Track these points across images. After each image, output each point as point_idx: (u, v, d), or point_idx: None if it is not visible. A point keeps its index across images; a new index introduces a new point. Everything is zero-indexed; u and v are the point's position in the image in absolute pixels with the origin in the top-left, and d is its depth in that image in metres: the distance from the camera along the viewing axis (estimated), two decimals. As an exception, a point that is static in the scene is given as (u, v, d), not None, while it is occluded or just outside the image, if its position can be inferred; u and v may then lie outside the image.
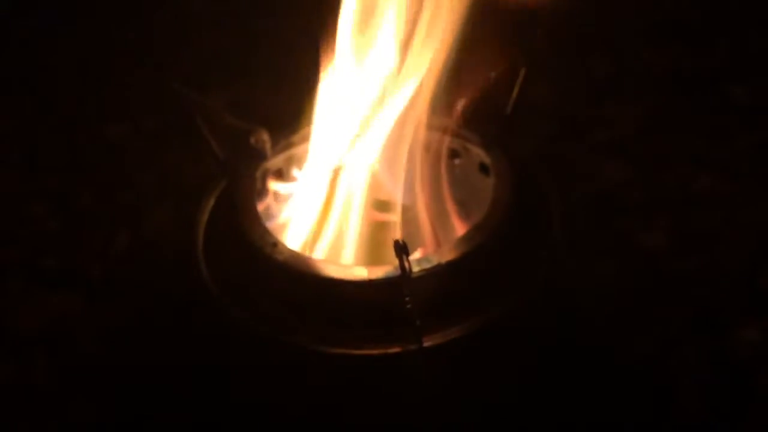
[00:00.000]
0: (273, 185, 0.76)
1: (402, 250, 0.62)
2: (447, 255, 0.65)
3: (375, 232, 0.77)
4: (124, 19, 1.29)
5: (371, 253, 0.75)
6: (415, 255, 0.75)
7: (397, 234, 0.75)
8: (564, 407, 0.76)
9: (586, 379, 0.79)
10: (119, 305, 0.95)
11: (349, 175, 0.76)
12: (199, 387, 0.80)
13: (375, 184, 0.76)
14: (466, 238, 0.66)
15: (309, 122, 0.79)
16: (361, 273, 0.64)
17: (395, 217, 0.76)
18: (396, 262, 0.63)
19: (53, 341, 0.92)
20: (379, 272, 0.64)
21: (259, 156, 0.73)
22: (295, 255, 0.66)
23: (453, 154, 0.79)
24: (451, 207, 0.77)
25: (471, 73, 0.72)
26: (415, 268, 0.64)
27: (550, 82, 1.14)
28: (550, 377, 0.73)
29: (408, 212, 0.76)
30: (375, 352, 0.63)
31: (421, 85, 0.72)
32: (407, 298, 0.62)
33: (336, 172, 0.76)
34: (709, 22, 1.24)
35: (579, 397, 0.78)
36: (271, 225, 0.73)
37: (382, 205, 0.78)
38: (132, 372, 0.87)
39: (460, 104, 0.74)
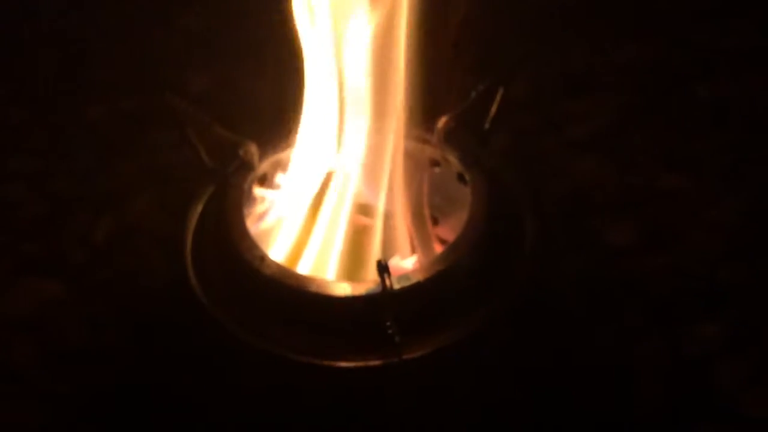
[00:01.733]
0: (258, 191, 0.79)
1: (383, 269, 0.65)
2: (426, 272, 0.69)
3: (355, 235, 0.79)
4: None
5: (351, 256, 0.78)
6: (394, 259, 0.79)
7: (377, 238, 0.78)
8: (539, 408, 0.80)
9: (555, 377, 0.83)
10: (103, 293, 0.96)
11: (334, 182, 0.78)
12: (182, 382, 0.82)
13: (357, 189, 0.79)
14: (443, 255, 0.70)
15: (293, 126, 0.81)
16: (345, 289, 0.68)
17: (375, 222, 0.79)
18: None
19: (37, 327, 0.93)
20: (361, 288, 0.67)
21: (248, 167, 0.75)
22: (282, 269, 0.69)
23: (433, 163, 0.82)
24: (428, 213, 0.81)
25: (452, 91, 0.75)
26: (396, 286, 0.67)
27: (527, 75, 1.16)
28: (525, 382, 0.77)
29: (388, 218, 0.79)
30: (356, 364, 0.66)
31: (403, 95, 0.75)
32: (388, 315, 0.66)
33: (321, 179, 0.78)
34: (682, 21, 1.27)
35: (552, 397, 0.82)
36: (256, 230, 0.76)
37: (362, 209, 0.81)
38: (115, 360, 0.90)
39: (442, 120, 0.77)
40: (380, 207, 0.78)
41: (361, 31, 0.73)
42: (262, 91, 1.16)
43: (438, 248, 0.78)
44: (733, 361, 0.88)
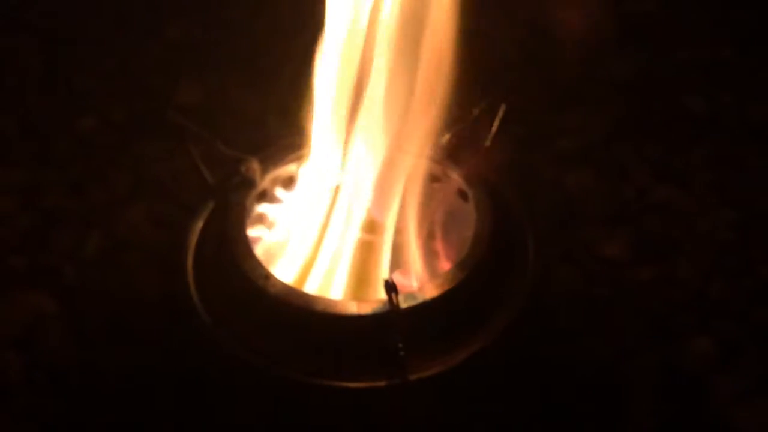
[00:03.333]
0: (261, 207, 0.78)
1: (391, 288, 0.65)
2: (433, 291, 0.68)
3: (360, 251, 0.79)
4: (91, 7, 1.27)
5: (356, 273, 0.78)
6: (395, 276, 0.79)
7: (384, 255, 0.78)
8: (539, 426, 0.80)
9: (555, 394, 0.84)
10: (95, 308, 0.95)
11: (341, 198, 0.77)
12: (179, 402, 0.81)
13: (365, 205, 0.78)
14: (450, 274, 0.69)
15: (291, 143, 0.80)
16: (351, 308, 0.67)
17: (380, 238, 0.78)
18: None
19: (26, 343, 0.91)
20: (367, 308, 0.67)
21: (249, 183, 0.75)
22: (287, 288, 0.68)
23: (433, 178, 0.82)
24: (438, 230, 0.80)
25: (455, 109, 0.74)
26: (403, 305, 0.66)
27: (519, 89, 1.17)
28: (530, 401, 0.77)
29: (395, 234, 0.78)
30: (362, 384, 0.66)
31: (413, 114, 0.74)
32: (395, 334, 0.65)
33: (327, 195, 0.77)
34: (671, 32, 1.28)
35: (552, 414, 0.82)
36: (260, 248, 0.75)
37: (366, 225, 0.80)
38: (108, 379, 0.88)
39: (445, 137, 0.77)
40: (389, 223, 0.77)
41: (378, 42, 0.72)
42: (255, 103, 1.17)
43: (441, 265, 0.78)
44: (726, 374, 0.89)
